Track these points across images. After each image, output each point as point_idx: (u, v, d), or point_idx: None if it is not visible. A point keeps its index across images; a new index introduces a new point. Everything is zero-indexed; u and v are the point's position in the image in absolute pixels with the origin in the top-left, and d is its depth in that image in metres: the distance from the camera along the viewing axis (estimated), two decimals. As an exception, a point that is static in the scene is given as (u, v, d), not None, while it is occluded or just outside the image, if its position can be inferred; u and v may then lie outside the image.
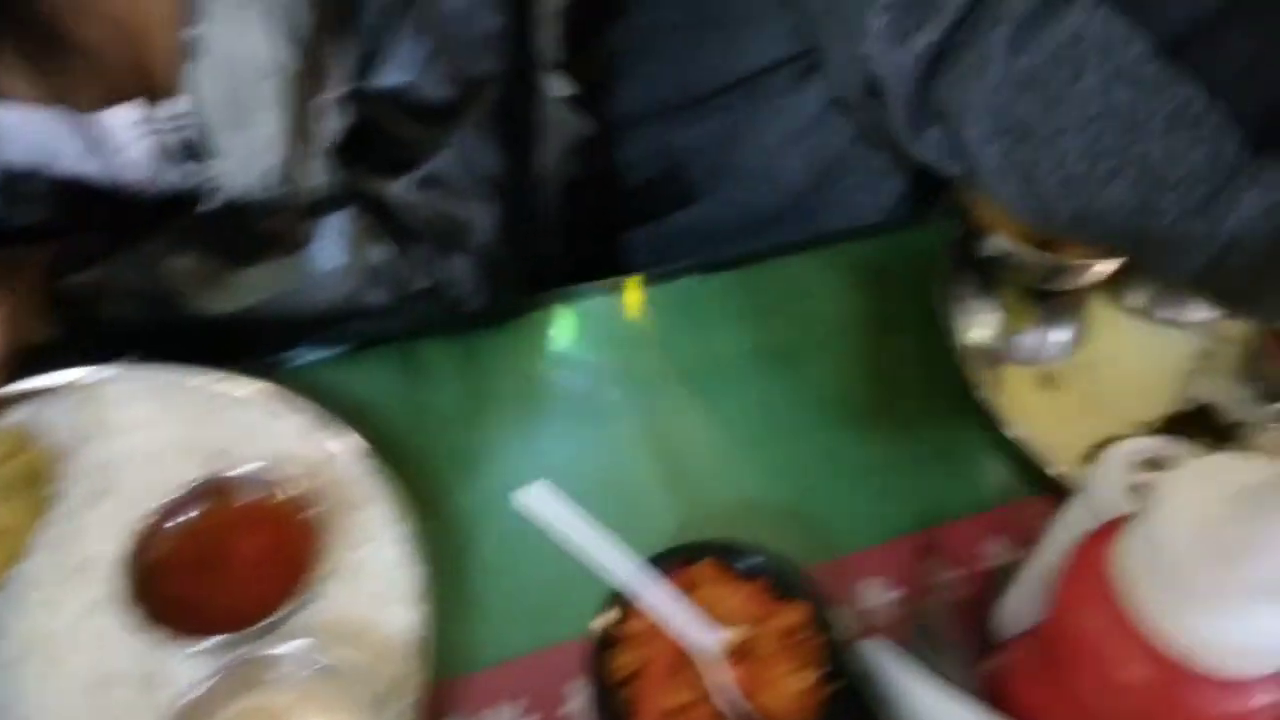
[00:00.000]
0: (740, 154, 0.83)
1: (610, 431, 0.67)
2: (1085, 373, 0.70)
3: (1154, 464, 0.46)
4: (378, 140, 0.64)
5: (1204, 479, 0.35)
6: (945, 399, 0.68)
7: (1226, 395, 0.65)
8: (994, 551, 0.61)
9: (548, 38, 0.80)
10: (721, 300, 0.75)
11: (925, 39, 0.50)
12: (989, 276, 0.74)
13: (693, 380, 0.70)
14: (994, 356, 0.71)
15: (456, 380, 0.69)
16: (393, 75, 0.63)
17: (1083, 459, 0.64)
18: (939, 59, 0.50)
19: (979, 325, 0.72)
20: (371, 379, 0.67)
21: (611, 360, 0.71)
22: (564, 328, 0.73)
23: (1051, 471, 0.62)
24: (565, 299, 0.74)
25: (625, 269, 0.90)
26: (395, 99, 0.64)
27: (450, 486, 0.63)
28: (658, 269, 0.76)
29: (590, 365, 0.71)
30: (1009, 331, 0.72)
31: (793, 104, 0.79)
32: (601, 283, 0.75)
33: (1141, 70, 0.45)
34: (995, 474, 0.65)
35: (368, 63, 0.63)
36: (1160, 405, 0.66)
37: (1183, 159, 0.44)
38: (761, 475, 0.65)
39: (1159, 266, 0.49)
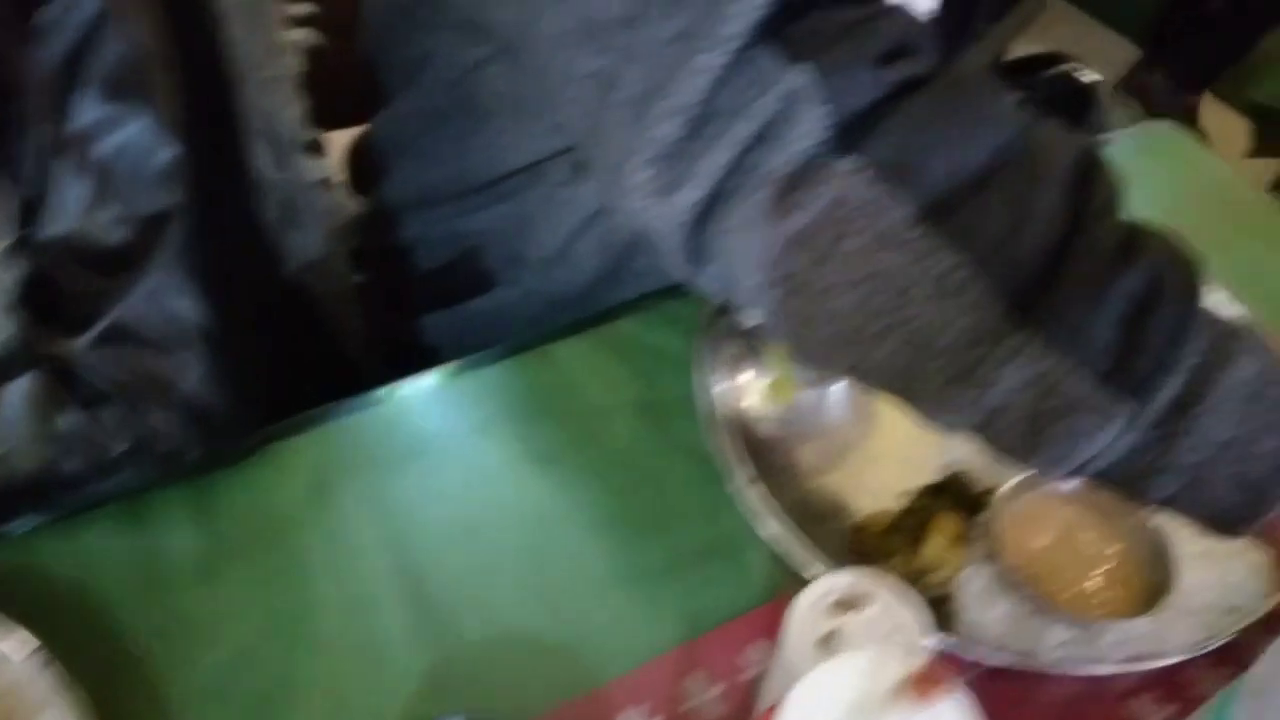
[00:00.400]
0: (532, 241, 0.80)
1: (356, 573, 0.62)
2: (852, 443, 0.68)
3: (848, 603, 0.44)
4: (55, 295, 0.59)
5: (824, 688, 0.32)
6: (712, 489, 0.66)
7: (979, 459, 0.64)
8: (756, 659, 0.59)
9: (291, 121, 0.76)
10: (482, 402, 0.71)
11: (690, 195, 0.48)
12: (755, 347, 0.71)
13: (448, 500, 0.66)
14: (761, 433, 0.68)
15: (189, 534, 0.63)
16: (57, 222, 0.57)
17: (843, 547, 0.62)
18: (706, 214, 0.48)
19: (746, 401, 0.70)
20: (91, 543, 0.62)
21: (360, 489, 0.66)
22: (309, 458, 0.68)
23: (808, 575, 0.60)
24: (308, 425, 0.69)
25: (432, 352, 0.86)
26: (65, 247, 0.58)
27: (178, 659, 0.58)
28: (411, 376, 0.72)
29: (337, 498, 0.66)
30: (777, 404, 0.70)
31: (578, 193, 0.76)
32: (350, 400, 0.70)
33: (905, 236, 0.44)
34: (762, 568, 0.63)
35: (30, 211, 0.58)
36: (920, 474, 0.65)
37: (948, 326, 0.44)
38: (520, 602, 0.62)
39: (932, 421, 0.49)
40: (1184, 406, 0.44)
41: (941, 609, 0.59)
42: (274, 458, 0.67)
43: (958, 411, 0.47)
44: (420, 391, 0.71)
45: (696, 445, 0.67)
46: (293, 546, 0.64)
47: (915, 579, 0.59)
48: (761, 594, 0.62)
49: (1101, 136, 0.99)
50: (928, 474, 0.65)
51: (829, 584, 0.44)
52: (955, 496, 0.62)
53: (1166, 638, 0.57)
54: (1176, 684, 0.58)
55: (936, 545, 0.60)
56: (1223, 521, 0.46)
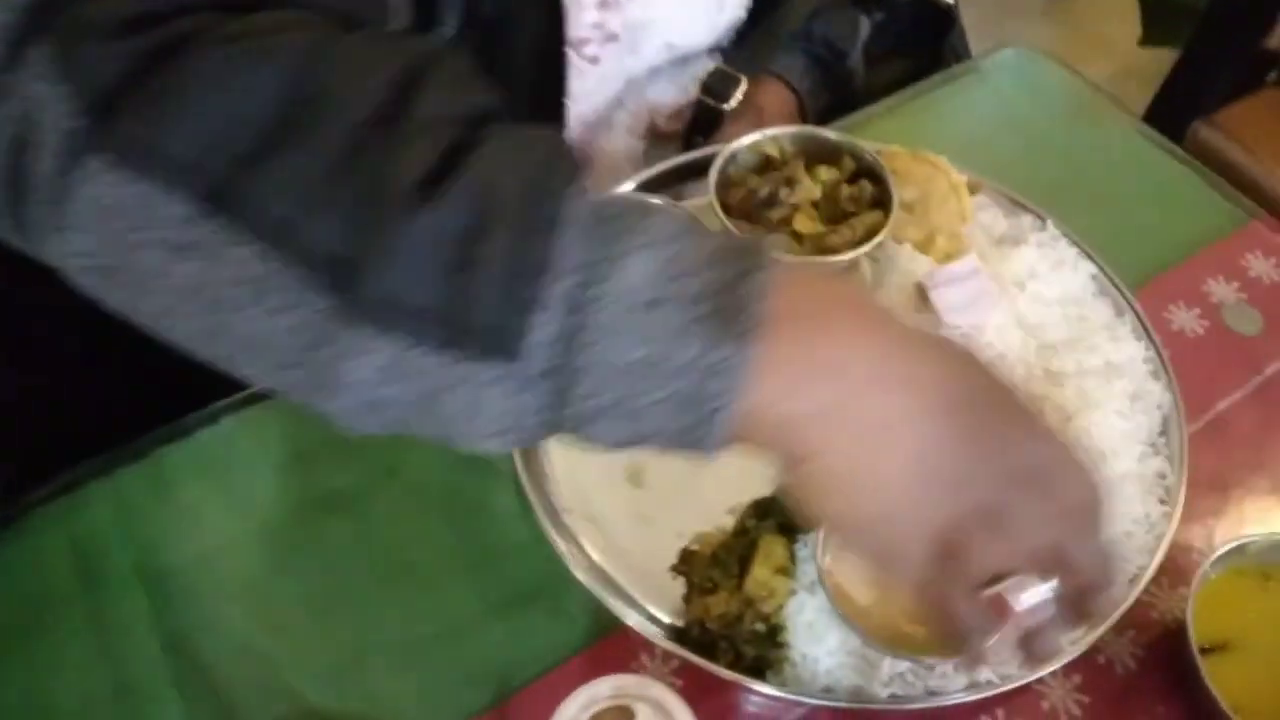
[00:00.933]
0: None
1: (127, 656, 0.56)
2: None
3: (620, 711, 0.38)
4: None
5: None
6: (529, 521, 0.59)
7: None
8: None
9: None
10: (267, 441, 0.63)
11: None
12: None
13: (227, 558, 0.59)
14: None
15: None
16: None
17: (667, 581, 0.56)
18: (20, 229, 0.39)
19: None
20: None
21: (129, 555, 0.59)
22: (70, 525, 0.60)
23: (632, 621, 0.54)
24: (67, 488, 0.61)
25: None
26: None
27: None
28: (168, 426, 0.63)
29: (103, 568, 0.59)
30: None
31: None
32: (114, 454, 0.62)
33: (190, 236, 0.36)
34: (582, 607, 0.57)
35: None
36: (751, 485, 0.59)
37: (276, 333, 0.36)
38: (310, 673, 0.55)
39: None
40: (569, 342, 0.35)
41: (773, 640, 0.54)
42: (30, 530, 0.60)
43: (350, 419, 0.38)
44: (194, 435, 0.63)
45: (511, 471, 0.61)
46: (54, 632, 0.57)
47: (742, 610, 0.54)
48: (583, 638, 0.57)
49: (962, 63, 0.92)
50: (758, 485, 0.59)
51: (590, 694, 0.38)
52: (784, 513, 0.57)
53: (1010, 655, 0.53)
54: (1025, 698, 0.54)
55: (762, 574, 0.54)
56: (692, 446, 0.37)
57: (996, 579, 0.38)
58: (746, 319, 0.35)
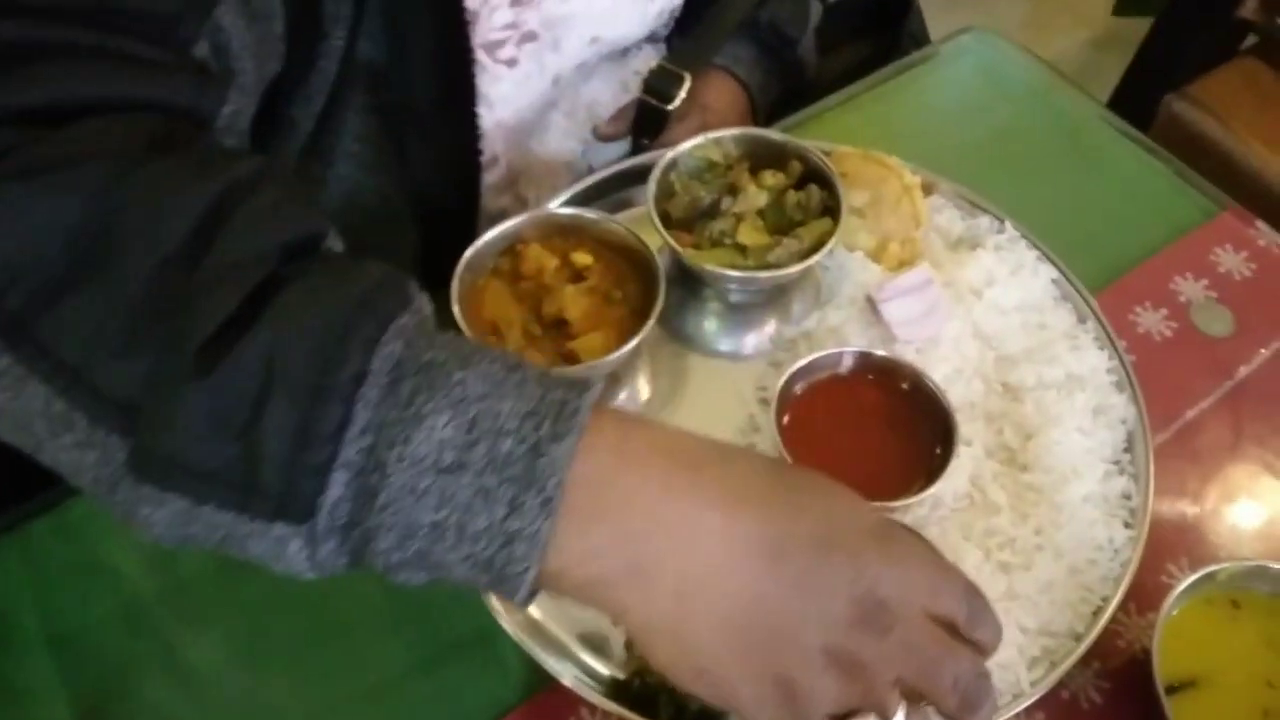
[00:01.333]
0: None
1: (26, 718, 0.53)
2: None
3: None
4: None
5: None
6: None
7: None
8: (510, 777, 0.51)
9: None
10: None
11: None
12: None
13: (140, 616, 0.56)
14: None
15: None
16: None
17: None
18: None
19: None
20: None
21: (37, 613, 0.56)
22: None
23: (568, 679, 0.51)
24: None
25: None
26: None
27: None
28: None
29: (9, 627, 0.55)
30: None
31: None
32: (18, 509, 0.59)
33: None
34: (516, 662, 0.54)
35: None
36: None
37: (79, 465, 0.36)
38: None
39: None
40: (365, 502, 0.35)
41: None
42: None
43: (170, 544, 0.38)
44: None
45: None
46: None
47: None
48: (519, 691, 0.53)
49: (920, 49, 0.88)
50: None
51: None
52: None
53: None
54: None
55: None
56: (503, 597, 0.37)
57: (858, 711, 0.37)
58: (548, 486, 0.35)
